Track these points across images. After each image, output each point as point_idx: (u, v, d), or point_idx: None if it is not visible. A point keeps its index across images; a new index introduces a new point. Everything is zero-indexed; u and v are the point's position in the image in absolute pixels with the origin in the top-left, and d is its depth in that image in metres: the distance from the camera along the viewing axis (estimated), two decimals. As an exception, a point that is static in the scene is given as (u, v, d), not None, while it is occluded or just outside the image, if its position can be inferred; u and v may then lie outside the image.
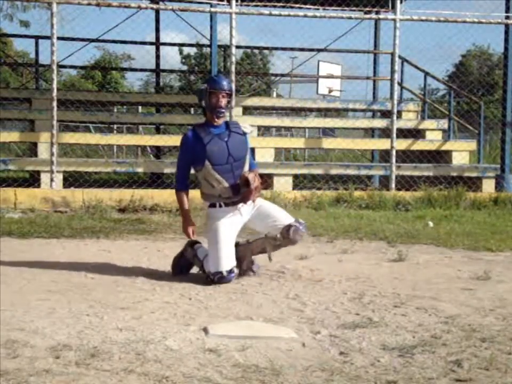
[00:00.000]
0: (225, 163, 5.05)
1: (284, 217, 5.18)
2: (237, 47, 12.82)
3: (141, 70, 20.24)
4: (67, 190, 9.78)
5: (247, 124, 5.50)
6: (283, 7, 13.13)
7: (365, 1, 13.15)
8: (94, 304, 4.26)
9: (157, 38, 14.99)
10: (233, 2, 10.46)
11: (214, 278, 4.95)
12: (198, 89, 5.31)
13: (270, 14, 11.30)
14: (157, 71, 15.53)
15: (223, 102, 5.11)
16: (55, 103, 9.86)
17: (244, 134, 5.18)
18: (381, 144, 12.83)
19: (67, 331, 3.63)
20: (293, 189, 11.03)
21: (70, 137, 12.03)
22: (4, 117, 13.48)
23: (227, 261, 4.97)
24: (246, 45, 20.07)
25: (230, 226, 5.07)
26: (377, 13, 13.60)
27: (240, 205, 5.08)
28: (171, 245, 6.38)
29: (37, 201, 9.30)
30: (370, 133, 16.38)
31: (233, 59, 10.72)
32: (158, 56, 14.92)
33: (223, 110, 5.13)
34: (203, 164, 5.04)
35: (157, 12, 14.51)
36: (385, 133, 13.94)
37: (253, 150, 11.83)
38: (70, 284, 4.87)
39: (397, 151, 11.17)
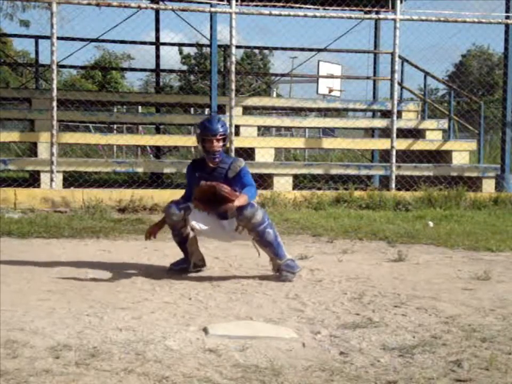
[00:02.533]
0: None
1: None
2: (237, 47, 12.82)
3: (141, 70, 20.24)
4: (67, 190, 9.78)
5: (239, 161, 5.34)
6: (283, 7, 13.13)
7: (365, 1, 13.15)
8: (94, 304, 4.26)
9: (157, 38, 14.99)
10: (233, 2, 10.46)
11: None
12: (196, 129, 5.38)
13: (270, 14, 11.30)
14: (157, 71, 15.53)
15: (217, 146, 5.16)
16: (55, 103, 9.86)
17: (227, 176, 5.18)
18: (381, 144, 12.84)
19: (67, 331, 3.63)
20: (293, 189, 11.03)
21: (70, 137, 12.03)
22: (4, 117, 13.47)
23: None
24: (246, 45, 20.00)
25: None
26: (377, 13, 13.60)
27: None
28: (171, 245, 6.35)
29: (37, 201, 9.30)
30: (370, 133, 16.38)
31: (233, 59, 10.72)
32: (158, 56, 14.92)
33: (216, 155, 5.19)
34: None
35: (157, 11, 14.52)
36: (385, 133, 13.94)
37: (252, 150, 11.88)
38: (70, 284, 4.87)
39: (397, 151, 11.18)
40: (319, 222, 8.43)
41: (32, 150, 12.07)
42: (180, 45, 23.05)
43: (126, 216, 8.78)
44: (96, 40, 14.73)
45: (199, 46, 21.45)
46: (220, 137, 5.16)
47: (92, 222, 8.16)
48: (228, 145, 10.28)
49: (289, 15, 11.28)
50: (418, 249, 6.78)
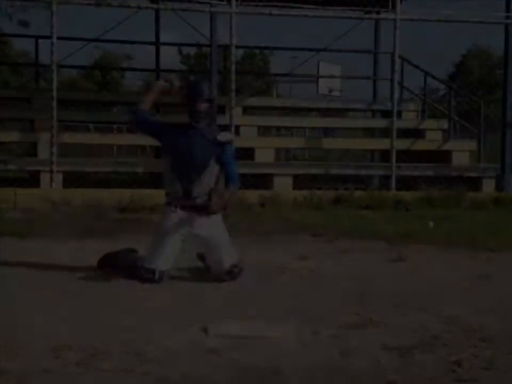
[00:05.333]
0: (184, 164, 5.06)
1: (225, 260, 5.08)
2: (237, 47, 12.81)
3: (141, 70, 20.32)
4: (67, 190, 9.77)
5: (229, 133, 5.27)
6: (283, 7, 13.13)
7: (365, 1, 13.14)
8: (94, 304, 4.26)
9: (157, 38, 14.99)
10: (233, 2, 10.46)
11: (143, 274, 4.94)
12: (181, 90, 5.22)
13: (270, 14, 11.29)
14: (157, 71, 15.53)
15: (202, 107, 5.05)
16: (55, 103, 9.86)
17: (219, 143, 5.08)
18: (381, 144, 12.82)
19: (67, 331, 3.63)
20: (293, 189, 11.02)
21: (70, 137, 12.02)
22: (3, 117, 13.47)
23: (162, 262, 4.98)
24: (246, 45, 20.03)
25: (175, 232, 5.07)
26: (377, 12, 13.58)
27: (194, 214, 5.06)
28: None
29: (37, 201, 9.29)
30: (370, 133, 16.38)
31: (233, 59, 10.72)
32: (158, 56, 14.92)
33: (201, 116, 5.07)
34: (165, 154, 5.23)
35: (157, 11, 14.51)
36: (385, 133, 13.93)
37: (252, 150, 11.86)
38: (70, 284, 4.87)
39: (397, 151, 11.17)
40: (319, 222, 8.42)
41: (32, 150, 12.06)
42: (180, 44, 23.13)
43: (126, 216, 8.77)
44: (96, 40, 14.73)
45: (199, 46, 21.45)
46: (206, 99, 5.05)
47: (92, 222, 8.15)
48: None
49: (289, 15, 11.28)
50: (418, 249, 6.77)
